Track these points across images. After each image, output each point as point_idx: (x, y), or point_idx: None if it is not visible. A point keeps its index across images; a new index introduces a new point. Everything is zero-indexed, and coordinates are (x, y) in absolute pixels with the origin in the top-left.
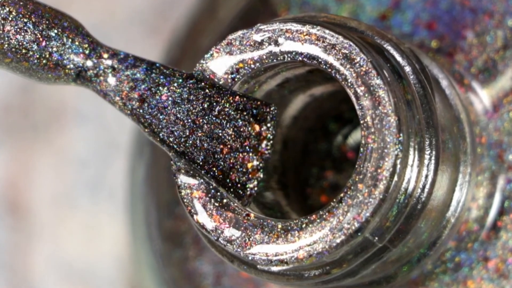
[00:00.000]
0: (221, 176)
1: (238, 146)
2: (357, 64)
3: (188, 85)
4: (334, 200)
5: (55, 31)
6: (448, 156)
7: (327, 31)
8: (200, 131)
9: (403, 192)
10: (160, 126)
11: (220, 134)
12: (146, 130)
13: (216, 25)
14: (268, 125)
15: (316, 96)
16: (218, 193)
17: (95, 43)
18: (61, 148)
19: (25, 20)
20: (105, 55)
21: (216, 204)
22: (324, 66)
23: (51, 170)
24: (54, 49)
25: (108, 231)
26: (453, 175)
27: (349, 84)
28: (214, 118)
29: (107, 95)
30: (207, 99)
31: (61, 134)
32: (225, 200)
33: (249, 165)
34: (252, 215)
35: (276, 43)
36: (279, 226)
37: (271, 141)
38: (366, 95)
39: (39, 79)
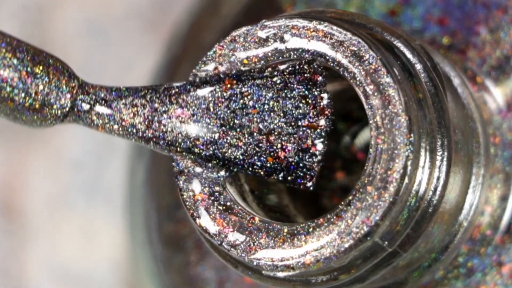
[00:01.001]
0: (273, 164)
1: (289, 129)
2: (366, 62)
3: (197, 97)
4: (342, 203)
5: (41, 67)
6: (460, 157)
7: (334, 28)
8: (232, 131)
9: (414, 194)
10: (180, 140)
11: (261, 127)
12: (160, 147)
13: (219, 20)
14: (320, 89)
15: None
16: (222, 196)
17: (81, 81)
18: (56, 148)
19: (9, 55)
20: (93, 91)
21: (220, 207)
22: (331, 64)
23: (46, 171)
24: (40, 87)
25: (105, 234)
26: (466, 177)
27: (358, 83)
28: (246, 115)
29: (103, 126)
30: (227, 97)
31: (56, 134)
32: (228, 203)
33: (312, 141)
34: (257, 218)
35: (282, 40)
36: (285, 230)
37: (330, 106)
38: (376, 94)
39: (24, 122)
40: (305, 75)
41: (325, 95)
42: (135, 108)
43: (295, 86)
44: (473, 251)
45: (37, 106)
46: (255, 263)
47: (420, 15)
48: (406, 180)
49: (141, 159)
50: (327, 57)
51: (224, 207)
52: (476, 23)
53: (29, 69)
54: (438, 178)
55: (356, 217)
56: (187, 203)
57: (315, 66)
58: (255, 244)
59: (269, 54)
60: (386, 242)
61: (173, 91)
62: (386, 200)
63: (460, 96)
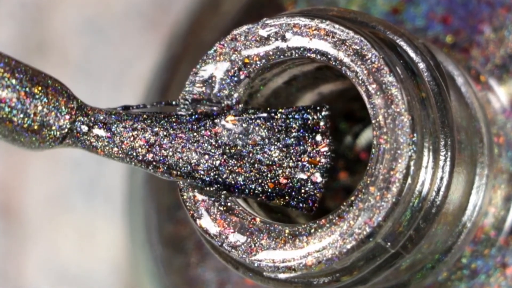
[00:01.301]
0: (275, 189)
1: (290, 162)
2: (369, 61)
3: (198, 126)
4: (345, 203)
5: (39, 88)
6: (464, 157)
7: (336, 26)
8: (232, 160)
9: (417, 195)
10: (181, 164)
11: (262, 158)
12: (160, 171)
13: (219, 19)
14: (323, 134)
15: (325, 94)
16: (222, 196)
17: (80, 103)
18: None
19: (8, 75)
20: (91, 113)
21: (220, 208)
22: (333, 63)
23: (45, 171)
24: (39, 108)
25: (105, 235)
26: (469, 177)
27: (360, 82)
28: (249, 149)
29: (102, 149)
30: (233, 134)
31: None
32: (229, 204)
33: (314, 177)
34: (258, 219)
35: (283, 39)
36: (287, 231)
37: (330, 147)
38: (378, 93)
39: (22, 143)
40: (308, 122)
41: (326, 142)
42: (135, 132)
43: (295, 131)
44: (477, 252)
45: (35, 127)
46: (256, 265)
47: (423, 13)
48: (409, 181)
49: None
50: (329, 56)
51: (225, 208)
52: (480, 21)
53: (27, 89)
54: (442, 178)
55: (359, 218)
56: (187, 204)
57: (319, 116)
58: (256, 245)
59: (271, 52)
60: (389, 243)
61: (174, 118)
62: (389, 200)
63: (463, 95)
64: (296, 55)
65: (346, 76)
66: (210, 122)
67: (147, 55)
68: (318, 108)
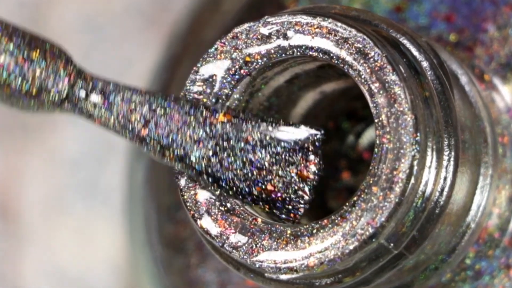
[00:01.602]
0: (261, 193)
1: (279, 170)
2: (371, 59)
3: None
4: (347, 203)
5: (37, 52)
6: (468, 157)
7: (339, 24)
8: (224, 153)
9: (421, 195)
10: (174, 146)
11: (253, 159)
12: (153, 150)
13: (220, 17)
14: (314, 152)
15: (327, 93)
16: (223, 196)
17: (79, 68)
18: (53, 148)
19: (5, 40)
20: (90, 79)
21: (221, 208)
22: (336, 61)
23: (43, 171)
24: (37, 72)
25: (104, 236)
26: (473, 177)
27: (363, 80)
28: (242, 146)
29: (99, 118)
30: (228, 128)
31: (53, 133)
32: (230, 204)
33: (301, 188)
34: (259, 220)
35: (285, 37)
36: (288, 231)
37: (320, 168)
38: (381, 92)
39: (21, 107)
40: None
41: (316, 160)
42: (133, 105)
43: (288, 145)
44: (481, 253)
45: (34, 91)
46: (257, 265)
47: (427, 11)
48: (412, 181)
49: (141, 159)
50: (331, 54)
51: (226, 208)
52: (484, 20)
53: (25, 54)
54: (445, 178)
55: (361, 218)
56: (187, 204)
57: (314, 138)
58: (258, 246)
59: (272, 51)
60: (392, 244)
61: (173, 99)
62: (392, 201)
63: (467, 94)
64: (298, 53)
65: (348, 74)
66: (207, 112)
67: (147, 54)
68: (313, 133)
